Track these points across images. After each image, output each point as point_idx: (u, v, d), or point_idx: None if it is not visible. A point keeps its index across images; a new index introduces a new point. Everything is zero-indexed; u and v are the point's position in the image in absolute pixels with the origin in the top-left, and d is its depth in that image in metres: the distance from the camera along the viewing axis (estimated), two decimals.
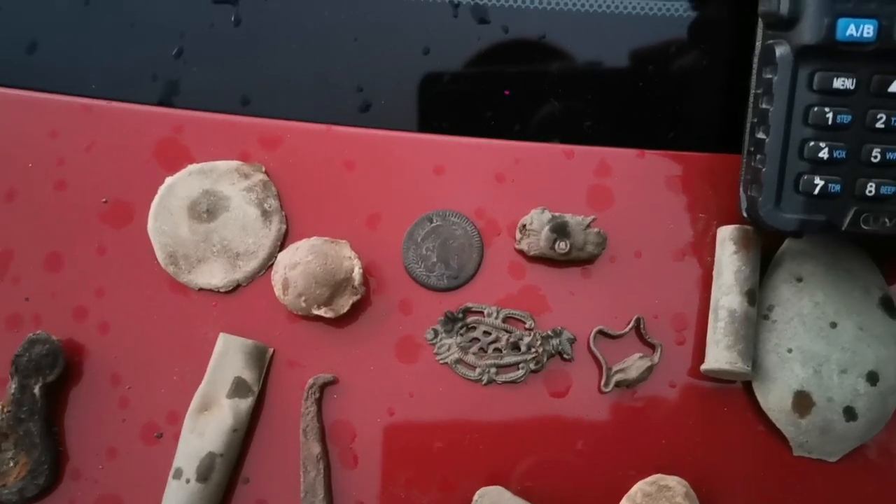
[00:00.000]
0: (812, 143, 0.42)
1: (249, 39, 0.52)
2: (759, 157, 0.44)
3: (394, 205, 0.49)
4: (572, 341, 0.47)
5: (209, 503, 0.44)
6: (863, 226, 0.42)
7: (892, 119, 0.42)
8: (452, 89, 0.51)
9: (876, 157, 0.42)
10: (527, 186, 0.49)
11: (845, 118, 0.42)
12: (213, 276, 0.48)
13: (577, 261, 0.48)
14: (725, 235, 0.47)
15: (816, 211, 0.43)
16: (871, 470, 0.46)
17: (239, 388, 0.46)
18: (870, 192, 0.42)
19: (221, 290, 0.48)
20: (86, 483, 0.46)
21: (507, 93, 0.50)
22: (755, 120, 0.44)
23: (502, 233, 0.49)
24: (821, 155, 0.42)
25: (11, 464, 0.45)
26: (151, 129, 0.50)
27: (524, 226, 0.48)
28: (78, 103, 0.50)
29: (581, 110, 0.52)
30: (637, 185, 0.50)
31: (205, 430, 0.45)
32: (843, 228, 0.43)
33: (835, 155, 0.42)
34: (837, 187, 0.42)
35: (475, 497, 0.45)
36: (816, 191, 0.42)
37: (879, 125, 0.42)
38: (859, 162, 0.42)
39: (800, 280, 0.47)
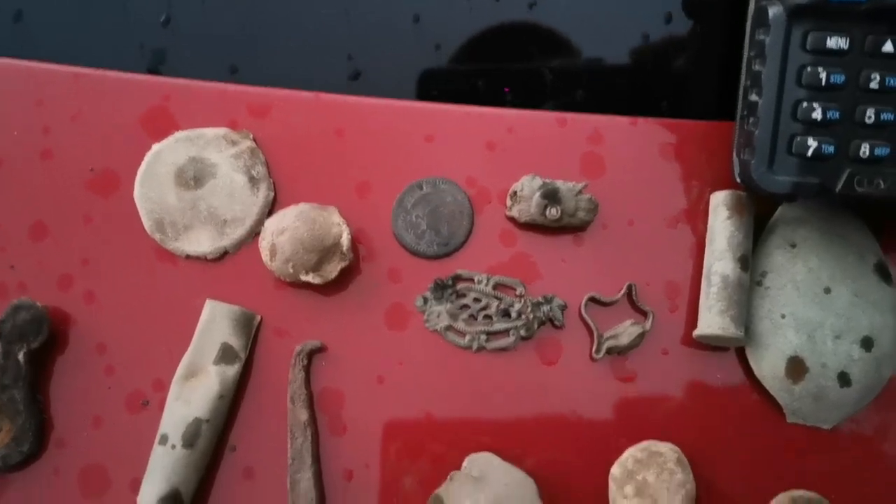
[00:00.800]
0: (805, 104, 0.42)
1: (238, 7, 0.51)
2: (751, 119, 0.43)
3: (383, 173, 0.48)
4: (563, 308, 0.47)
5: (195, 469, 0.43)
6: (857, 188, 0.42)
7: (887, 80, 0.41)
8: (443, 57, 0.51)
9: (870, 117, 0.41)
10: (518, 154, 0.49)
11: (839, 78, 0.41)
12: (201, 243, 0.47)
13: (569, 228, 0.47)
14: (718, 201, 0.47)
15: (810, 173, 0.42)
16: (865, 438, 0.46)
17: (226, 354, 0.45)
18: (864, 153, 0.41)
19: (209, 258, 0.47)
20: (70, 451, 0.46)
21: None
22: (748, 83, 0.44)
23: (493, 200, 0.48)
24: (814, 116, 0.41)
25: None
26: (139, 97, 0.49)
27: (515, 192, 0.47)
28: (64, 71, 0.50)
29: (574, 79, 0.51)
30: (630, 152, 0.49)
31: (191, 396, 0.44)
32: (837, 191, 0.42)
33: (828, 116, 0.41)
34: (831, 149, 0.42)
35: (464, 463, 0.44)
36: (810, 152, 0.42)
37: (873, 85, 0.41)
38: (853, 123, 0.42)
39: (793, 246, 0.46)
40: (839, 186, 0.42)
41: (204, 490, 0.45)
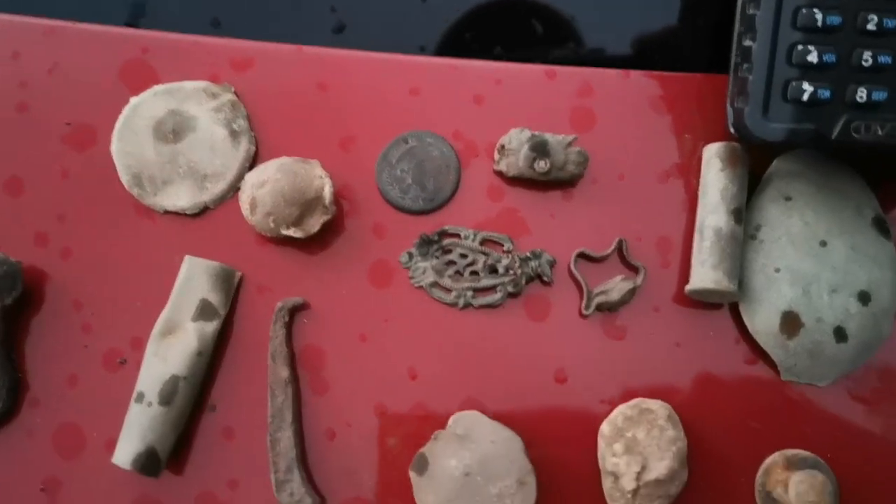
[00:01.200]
0: (801, 48, 0.40)
1: None
2: (745, 66, 0.42)
3: (368, 127, 0.47)
4: (552, 264, 0.45)
5: (172, 427, 0.42)
6: (853, 134, 0.40)
7: (885, 21, 0.40)
8: (430, 9, 0.50)
9: (867, 60, 0.40)
10: (506, 108, 0.48)
11: (835, 20, 0.40)
12: (180, 198, 0.46)
13: (558, 182, 0.46)
14: (711, 153, 0.45)
15: (805, 120, 0.41)
16: (862, 396, 0.45)
17: (204, 311, 0.44)
18: (861, 98, 0.40)
19: (188, 213, 0.46)
20: (45, 410, 0.44)
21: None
22: (742, 28, 0.43)
23: (480, 154, 0.47)
24: (809, 59, 0.40)
25: None
26: (117, 50, 0.48)
27: (503, 146, 0.46)
28: (41, 24, 0.48)
29: (564, 31, 0.50)
30: (621, 106, 0.48)
31: (168, 353, 0.43)
32: (833, 137, 0.41)
33: (824, 59, 0.40)
34: (827, 93, 0.40)
35: (450, 422, 0.43)
36: (805, 97, 0.40)
37: (871, 27, 0.40)
38: (850, 66, 0.40)
39: (789, 199, 0.45)
40: (835, 133, 0.40)
41: (183, 449, 0.44)
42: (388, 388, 0.44)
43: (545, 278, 0.45)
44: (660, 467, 0.41)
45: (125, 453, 0.42)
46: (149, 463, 0.42)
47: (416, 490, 0.42)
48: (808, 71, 0.40)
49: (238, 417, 0.44)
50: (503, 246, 0.46)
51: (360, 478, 0.44)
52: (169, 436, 0.42)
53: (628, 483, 0.41)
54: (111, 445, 0.43)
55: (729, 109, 0.44)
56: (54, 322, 0.45)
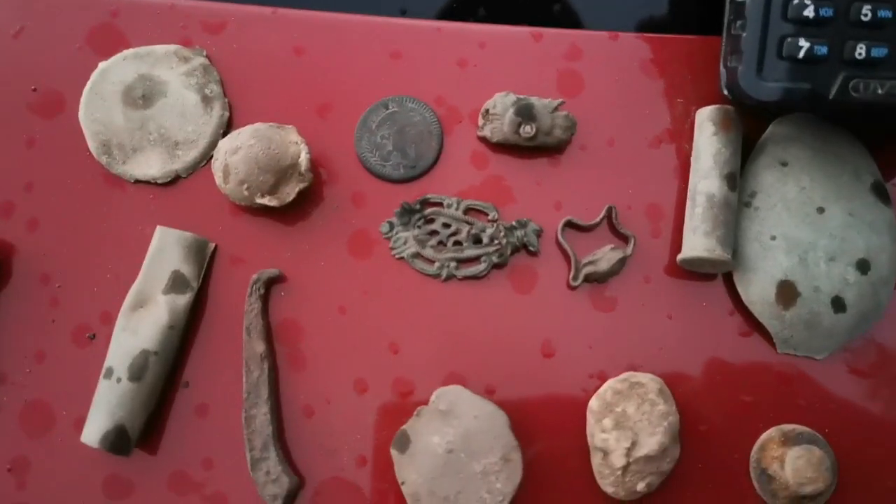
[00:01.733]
0: (796, 1, 0.38)
1: None
2: (739, 23, 0.40)
3: (346, 92, 0.45)
4: (539, 233, 0.43)
5: (142, 404, 0.40)
6: (852, 93, 0.39)
7: None
8: None
9: (866, 14, 0.38)
10: (491, 72, 0.46)
11: None
12: (150, 166, 0.44)
13: (545, 148, 0.44)
14: (704, 117, 0.43)
15: (801, 78, 0.39)
16: (860, 369, 0.43)
17: (176, 283, 0.42)
18: (859, 54, 0.38)
19: (159, 182, 0.44)
20: (12, 387, 0.43)
21: None
22: None
23: (464, 120, 0.45)
24: (806, 13, 0.38)
25: None
26: (85, 13, 0.46)
27: (487, 110, 0.44)
28: None
29: None
30: (610, 69, 0.46)
31: (138, 327, 0.41)
32: (831, 97, 0.39)
33: (821, 13, 0.38)
34: (824, 49, 0.38)
35: (432, 397, 0.41)
36: (801, 54, 0.38)
37: None
38: (848, 21, 0.38)
39: (784, 164, 0.43)
40: (833, 92, 0.39)
41: (155, 427, 0.42)
42: (369, 363, 0.43)
43: (531, 248, 0.43)
44: (651, 443, 0.40)
45: (93, 431, 0.40)
46: (118, 441, 0.40)
47: (398, 468, 0.41)
48: (804, 26, 0.38)
49: (212, 394, 0.42)
50: (488, 215, 0.44)
51: (340, 456, 0.42)
52: (139, 413, 0.41)
53: (618, 459, 0.40)
54: (81, 424, 0.41)
55: (722, 70, 0.42)
56: (21, 296, 0.43)
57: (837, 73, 0.38)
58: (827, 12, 0.38)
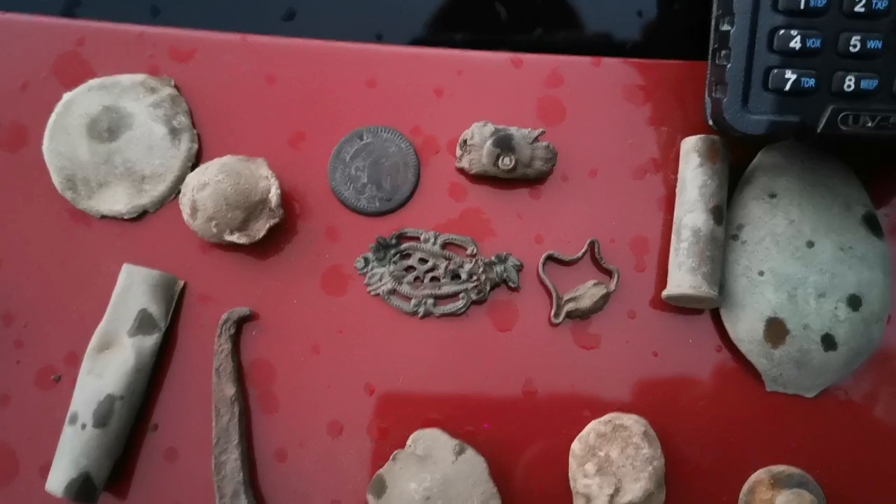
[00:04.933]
0: (783, 32, 0.37)
1: None
2: (723, 52, 0.38)
3: (320, 122, 0.44)
4: (519, 268, 0.42)
5: (107, 451, 0.39)
6: (841, 126, 0.37)
7: (874, 2, 0.36)
8: None
9: (855, 45, 0.37)
10: (470, 100, 0.44)
11: (820, 1, 0.36)
12: (117, 201, 0.43)
13: (525, 179, 0.43)
14: (689, 147, 0.42)
15: (788, 111, 0.37)
16: (852, 408, 0.42)
17: (143, 323, 0.40)
18: (848, 86, 0.37)
19: (126, 217, 0.43)
20: None
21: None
22: (720, 11, 0.39)
23: (441, 150, 0.44)
24: (792, 45, 0.37)
25: None
26: (50, 42, 0.45)
27: (465, 141, 0.42)
28: None
29: (531, 15, 0.46)
30: (592, 96, 0.44)
31: (104, 370, 0.40)
32: (819, 130, 0.37)
33: (808, 44, 0.37)
34: (812, 82, 0.37)
35: (409, 441, 0.40)
36: (788, 86, 0.37)
37: (859, 9, 0.36)
38: (836, 52, 0.37)
39: (773, 196, 0.42)
40: (821, 125, 0.37)
41: (122, 472, 0.41)
42: (344, 405, 0.41)
43: (511, 284, 0.42)
44: (635, 489, 0.38)
45: (58, 480, 0.39)
46: (83, 490, 0.38)
47: None
48: (791, 57, 0.37)
49: (181, 437, 0.41)
50: (466, 249, 0.42)
51: (314, 502, 0.40)
52: (105, 460, 0.39)
53: None
54: (46, 470, 0.40)
55: (707, 100, 0.40)
56: None
57: (826, 106, 0.37)
58: (814, 43, 0.36)
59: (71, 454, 0.39)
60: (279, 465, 0.41)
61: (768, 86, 0.37)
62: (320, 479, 0.41)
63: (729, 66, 0.38)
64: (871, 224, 0.42)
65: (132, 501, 0.41)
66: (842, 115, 0.37)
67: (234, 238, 0.40)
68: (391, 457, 0.40)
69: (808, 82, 0.37)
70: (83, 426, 0.39)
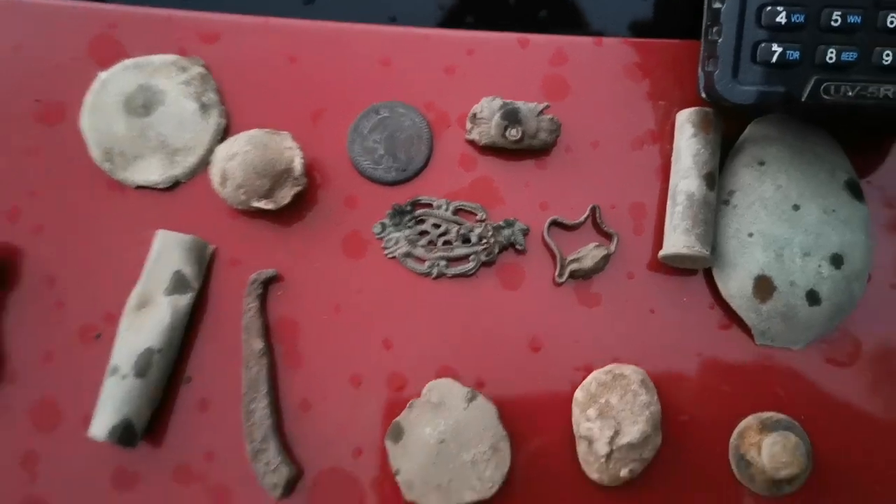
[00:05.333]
0: (769, 8, 0.40)
1: None
2: (715, 28, 0.42)
3: (339, 98, 0.47)
4: (525, 232, 0.45)
5: (147, 399, 0.42)
6: (823, 96, 0.40)
7: None
8: None
9: (836, 20, 0.40)
10: (479, 78, 0.47)
11: None
12: (151, 172, 0.46)
13: (531, 150, 0.46)
14: (684, 119, 0.45)
15: (775, 82, 0.41)
16: (835, 359, 0.45)
17: (178, 284, 0.44)
18: (830, 58, 0.40)
19: (160, 187, 0.46)
20: (21, 387, 0.44)
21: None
22: None
23: (452, 124, 0.47)
24: (778, 20, 0.40)
25: None
26: (84, 26, 0.48)
27: (474, 115, 0.46)
28: (7, 1, 0.48)
29: None
30: (594, 73, 0.47)
31: (142, 327, 0.43)
32: (804, 99, 0.40)
33: (793, 19, 0.40)
34: (796, 54, 0.40)
35: (424, 391, 0.43)
36: (774, 59, 0.40)
37: None
38: (818, 27, 0.40)
39: (762, 164, 0.45)
40: (805, 94, 0.40)
41: (159, 422, 0.44)
42: (363, 359, 0.44)
43: (518, 247, 0.45)
44: (633, 431, 0.42)
45: (101, 426, 0.42)
46: (125, 435, 0.42)
47: (393, 458, 0.43)
48: (777, 32, 0.40)
49: (213, 389, 0.44)
50: (476, 215, 0.45)
51: (337, 448, 0.44)
52: (144, 408, 0.42)
53: (602, 447, 0.41)
54: (88, 420, 0.43)
55: (700, 73, 0.44)
56: (28, 298, 0.45)
57: (809, 77, 0.40)
58: (799, 18, 0.40)
59: (113, 402, 0.42)
60: (304, 415, 0.44)
61: (756, 58, 0.40)
62: (342, 426, 0.44)
63: (720, 40, 0.41)
64: (854, 189, 0.45)
65: (168, 447, 0.44)
66: (824, 85, 0.40)
67: (261, 204, 0.44)
68: (407, 405, 0.43)
69: (793, 55, 0.40)
70: (124, 377, 0.42)
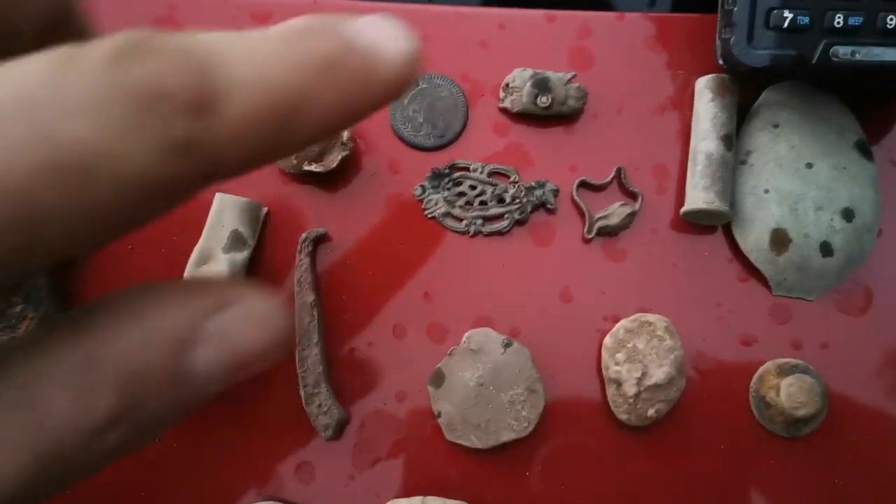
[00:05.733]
0: None
1: None
2: None
3: None
4: (556, 192, 0.49)
5: None
6: (832, 58, 0.44)
7: None
8: None
9: None
10: (510, 51, 0.51)
11: None
12: None
13: (560, 116, 0.50)
14: (702, 85, 0.48)
15: (787, 45, 0.44)
16: (848, 308, 0.48)
17: (235, 242, 0.48)
18: (838, 23, 0.43)
19: None
20: None
21: None
22: None
23: (486, 94, 0.50)
24: None
25: (20, 318, 0.47)
26: (146, 8, 0.52)
27: (507, 84, 0.49)
28: None
29: None
30: (617, 45, 0.51)
31: None
32: (814, 62, 0.44)
33: None
34: (806, 20, 0.43)
35: (463, 339, 0.46)
36: (786, 24, 0.43)
37: None
38: None
39: (776, 126, 0.48)
40: (815, 57, 0.44)
41: None
42: (406, 310, 0.48)
43: (549, 206, 0.48)
44: (659, 373, 0.45)
45: None
46: None
47: (434, 402, 0.46)
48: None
49: None
50: (510, 177, 0.49)
51: (382, 393, 0.47)
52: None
53: (630, 388, 0.45)
54: None
55: (717, 42, 0.47)
56: (100, 257, 0.49)
57: (819, 41, 0.43)
58: None
59: None
60: (352, 362, 0.48)
61: (769, 24, 0.44)
62: (387, 373, 0.48)
63: (736, 9, 0.44)
64: (862, 149, 0.48)
65: (227, 392, 0.48)
66: (833, 48, 0.44)
67: (312, 168, 0.47)
68: (448, 352, 0.47)
69: (803, 20, 0.43)
70: None
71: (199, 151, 0.21)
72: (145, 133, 0.18)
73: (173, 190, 0.21)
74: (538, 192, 0.48)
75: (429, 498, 0.45)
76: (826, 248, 0.46)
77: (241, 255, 0.48)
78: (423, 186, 0.49)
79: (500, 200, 0.49)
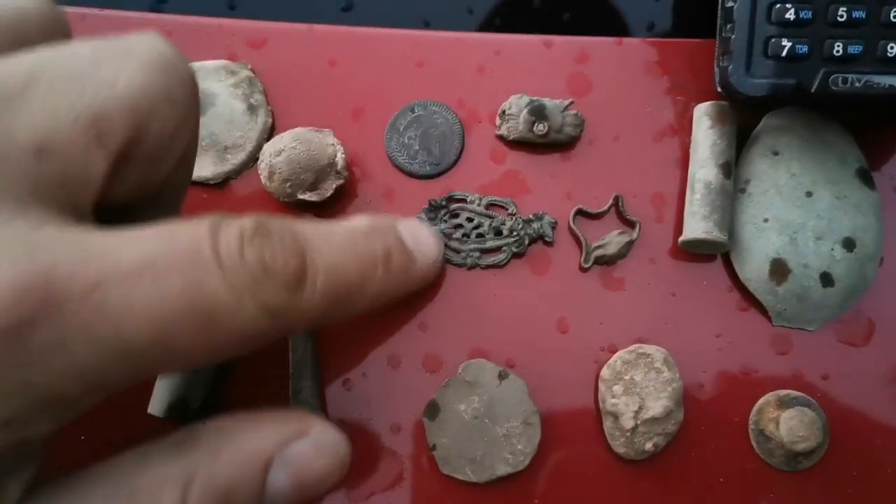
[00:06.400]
0: (779, 5, 0.43)
1: None
2: (729, 26, 0.44)
3: (376, 98, 0.50)
4: (553, 225, 0.48)
5: (201, 378, 0.46)
6: (832, 87, 0.43)
7: None
8: None
9: (842, 16, 0.42)
10: (507, 77, 0.50)
11: None
12: (203, 168, 0.49)
13: (556, 144, 0.49)
14: (701, 112, 0.48)
15: (786, 75, 0.43)
16: (849, 339, 0.47)
17: None
18: (837, 51, 0.43)
19: (211, 183, 0.49)
20: None
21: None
22: None
23: (483, 121, 0.50)
24: (787, 16, 0.43)
25: None
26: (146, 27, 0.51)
27: (503, 111, 0.49)
28: (69, 12, 0.52)
29: (561, 2, 0.53)
30: (615, 71, 0.50)
31: None
32: (813, 90, 0.43)
33: (801, 15, 0.42)
34: (805, 48, 0.43)
35: (459, 370, 0.46)
36: (784, 52, 0.43)
37: None
38: (826, 22, 0.43)
39: (776, 153, 0.47)
40: (815, 86, 0.43)
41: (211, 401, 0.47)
42: (401, 341, 0.47)
43: (547, 238, 0.48)
44: (656, 406, 0.44)
45: (158, 407, 0.45)
46: (180, 411, 0.45)
47: (429, 434, 0.45)
48: (786, 27, 0.43)
49: (261, 370, 0.47)
50: (507, 209, 0.49)
51: (377, 423, 0.47)
52: (200, 390, 0.46)
53: (627, 422, 0.44)
54: (145, 398, 0.46)
55: (716, 69, 0.46)
56: None
57: (818, 69, 0.43)
58: (807, 14, 0.42)
59: (170, 383, 0.46)
60: (346, 393, 0.47)
61: (768, 53, 0.43)
62: (382, 404, 0.47)
63: (733, 37, 0.44)
64: (864, 177, 0.47)
65: None
66: (832, 77, 0.43)
67: (307, 196, 0.47)
68: (443, 384, 0.46)
69: (801, 49, 0.43)
70: None
71: (284, 316, 0.29)
72: (256, 297, 0.26)
73: (255, 341, 0.29)
74: (536, 225, 0.48)
75: None
76: (826, 279, 0.45)
77: None
78: (419, 218, 0.49)
79: (498, 233, 0.48)
